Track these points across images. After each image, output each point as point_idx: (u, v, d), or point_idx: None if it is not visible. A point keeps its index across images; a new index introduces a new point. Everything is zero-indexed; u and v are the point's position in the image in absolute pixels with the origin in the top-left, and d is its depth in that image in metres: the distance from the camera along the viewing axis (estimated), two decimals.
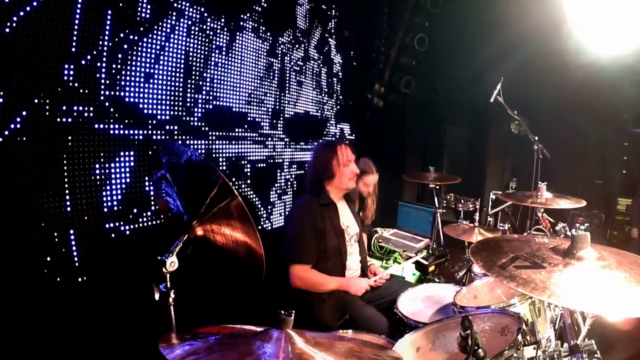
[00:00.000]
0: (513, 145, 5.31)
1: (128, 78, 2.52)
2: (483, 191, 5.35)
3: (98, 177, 2.39)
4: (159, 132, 2.73)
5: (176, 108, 2.84)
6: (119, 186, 2.50)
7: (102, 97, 2.39)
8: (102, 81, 2.39)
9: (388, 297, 2.36)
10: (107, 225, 2.45)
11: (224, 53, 3.17)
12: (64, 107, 2.21)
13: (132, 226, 2.58)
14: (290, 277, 2.23)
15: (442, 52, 5.21)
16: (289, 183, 4.05)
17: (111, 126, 2.45)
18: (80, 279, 2.31)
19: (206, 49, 3.02)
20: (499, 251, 1.41)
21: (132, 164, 2.56)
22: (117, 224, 2.50)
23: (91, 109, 2.33)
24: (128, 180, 2.54)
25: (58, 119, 2.19)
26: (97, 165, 2.39)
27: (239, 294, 2.50)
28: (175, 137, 2.85)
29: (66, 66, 2.20)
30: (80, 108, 2.28)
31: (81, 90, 2.27)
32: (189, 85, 2.91)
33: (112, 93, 2.44)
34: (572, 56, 4.24)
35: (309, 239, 2.24)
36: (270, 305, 2.09)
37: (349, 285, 2.31)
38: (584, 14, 3.95)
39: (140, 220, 2.64)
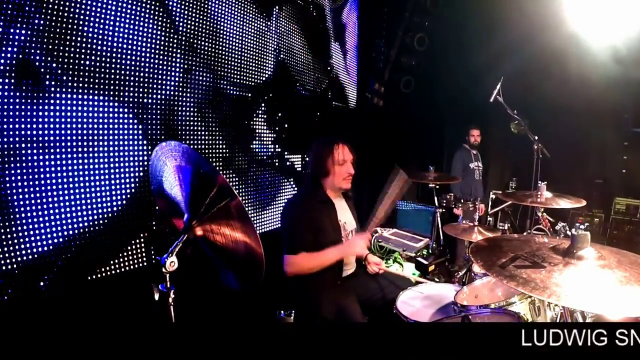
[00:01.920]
0: (513, 145, 5.31)
1: None
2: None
3: None
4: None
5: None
6: None
7: None
8: None
9: (387, 295, 2.36)
10: None
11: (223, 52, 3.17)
12: None
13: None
14: (284, 267, 2.21)
15: (442, 52, 5.21)
16: (290, 182, 4.04)
17: None
18: None
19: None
20: (499, 251, 1.41)
21: None
22: None
23: None
24: None
25: None
26: None
27: (238, 294, 2.49)
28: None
29: None
30: None
31: None
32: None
33: None
34: (571, 56, 4.24)
35: (304, 231, 2.22)
36: (269, 305, 2.09)
37: (349, 250, 2.32)
38: (583, 13, 3.95)
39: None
